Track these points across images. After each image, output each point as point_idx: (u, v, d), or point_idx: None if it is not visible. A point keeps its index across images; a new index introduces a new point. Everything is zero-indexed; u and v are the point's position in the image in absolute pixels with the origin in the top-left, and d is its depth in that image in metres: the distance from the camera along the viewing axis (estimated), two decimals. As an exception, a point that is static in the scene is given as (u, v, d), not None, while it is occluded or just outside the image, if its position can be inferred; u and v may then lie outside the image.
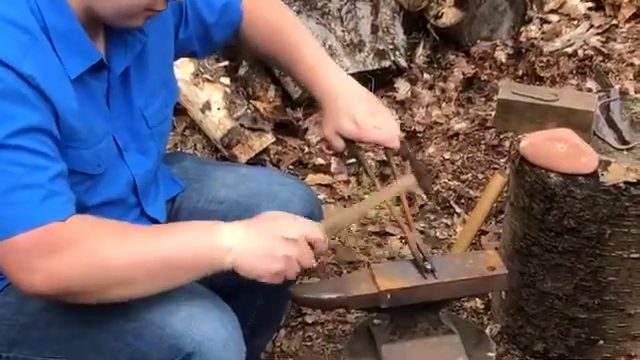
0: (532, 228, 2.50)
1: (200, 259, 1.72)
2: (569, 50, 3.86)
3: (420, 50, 3.99)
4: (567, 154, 2.39)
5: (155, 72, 1.96)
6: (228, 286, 1.87)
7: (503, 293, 2.66)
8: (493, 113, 3.14)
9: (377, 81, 3.74)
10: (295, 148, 3.57)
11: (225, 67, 3.59)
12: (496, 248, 2.69)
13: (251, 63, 3.70)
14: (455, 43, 3.99)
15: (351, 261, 3.02)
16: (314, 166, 3.50)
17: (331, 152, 3.45)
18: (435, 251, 3.04)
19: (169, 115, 2.07)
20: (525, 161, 2.46)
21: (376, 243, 3.12)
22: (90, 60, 1.78)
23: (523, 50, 3.89)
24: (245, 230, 1.74)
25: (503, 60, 3.88)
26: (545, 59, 3.79)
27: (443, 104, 3.76)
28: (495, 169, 3.37)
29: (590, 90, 3.53)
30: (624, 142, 2.51)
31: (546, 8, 4.13)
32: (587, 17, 4.09)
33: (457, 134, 3.61)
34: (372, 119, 2.04)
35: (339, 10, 3.81)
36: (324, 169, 3.48)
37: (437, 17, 3.94)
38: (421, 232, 3.11)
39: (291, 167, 3.50)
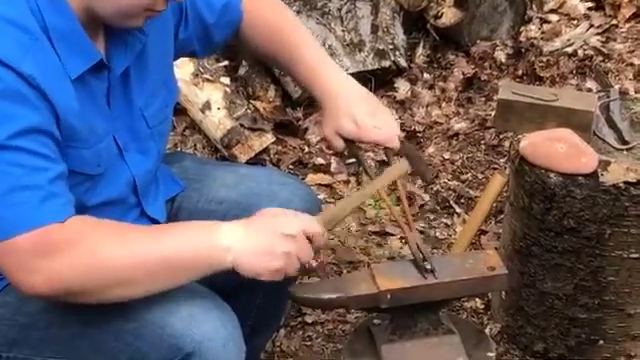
0: (532, 228, 2.50)
1: (200, 259, 1.72)
2: (569, 50, 3.86)
3: (420, 50, 3.99)
4: (567, 154, 2.39)
5: (155, 72, 1.96)
6: (228, 285, 1.87)
7: (503, 293, 2.67)
8: (493, 113, 3.14)
9: (377, 81, 3.74)
10: (295, 148, 3.57)
11: (225, 67, 3.59)
12: (496, 248, 2.69)
13: (251, 63, 3.70)
14: (455, 43, 3.99)
15: (351, 261, 3.02)
16: (314, 166, 3.50)
17: (331, 152, 3.45)
18: (435, 251, 3.04)
19: (169, 115, 2.07)
20: (525, 161, 2.46)
21: (376, 243, 3.12)
22: (90, 60, 1.78)
23: (523, 50, 3.89)
24: (244, 229, 1.74)
25: (503, 60, 3.88)
26: (545, 59, 3.79)
27: (443, 104, 3.77)
28: (495, 169, 3.37)
29: (590, 90, 3.53)
30: (624, 142, 2.51)
31: (546, 8, 4.13)
32: (587, 17, 4.09)
33: (457, 134, 3.61)
34: (372, 119, 2.04)
35: (339, 10, 3.81)
36: (324, 169, 3.48)
37: (437, 17, 3.94)
38: (421, 232, 3.11)
39: (291, 167, 3.50)
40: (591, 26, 4.04)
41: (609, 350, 2.57)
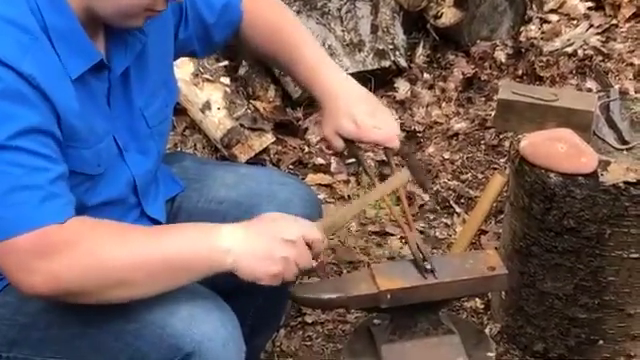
0: (532, 228, 2.50)
1: (200, 260, 1.72)
2: (569, 50, 3.86)
3: (420, 50, 3.99)
4: (567, 154, 2.39)
5: (155, 72, 1.96)
6: (228, 286, 1.87)
7: (503, 293, 2.67)
8: (493, 113, 3.14)
9: (377, 81, 3.74)
10: (295, 148, 3.57)
11: (225, 67, 3.59)
12: (496, 248, 2.69)
13: (251, 63, 3.70)
14: (455, 43, 3.99)
15: (351, 261, 3.02)
16: (314, 166, 3.50)
17: (331, 152, 3.45)
18: (435, 251, 3.04)
19: (169, 115, 2.07)
20: (525, 161, 2.46)
21: (376, 243, 3.12)
22: (90, 60, 1.78)
23: (523, 50, 3.89)
24: (244, 232, 1.74)
25: (503, 60, 3.88)
26: (545, 59, 3.79)
27: (443, 104, 3.77)
28: (495, 169, 3.37)
29: (590, 90, 3.53)
30: (624, 142, 2.51)
31: (546, 8, 4.13)
32: (587, 17, 4.09)
33: (457, 134, 3.61)
34: (372, 119, 2.04)
35: (339, 10, 3.81)
36: (324, 169, 3.48)
37: (437, 17, 3.94)
38: (421, 232, 3.11)
39: (291, 167, 3.50)
40: (591, 26, 4.04)
41: (609, 350, 2.57)
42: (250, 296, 2.11)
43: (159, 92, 1.99)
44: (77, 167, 1.77)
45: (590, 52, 3.84)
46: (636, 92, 3.52)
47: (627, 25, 4.07)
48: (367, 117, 2.04)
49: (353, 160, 3.27)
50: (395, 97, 3.79)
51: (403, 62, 3.85)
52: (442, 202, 3.30)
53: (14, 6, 1.69)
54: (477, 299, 2.83)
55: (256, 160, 3.39)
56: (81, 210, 1.72)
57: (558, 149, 2.40)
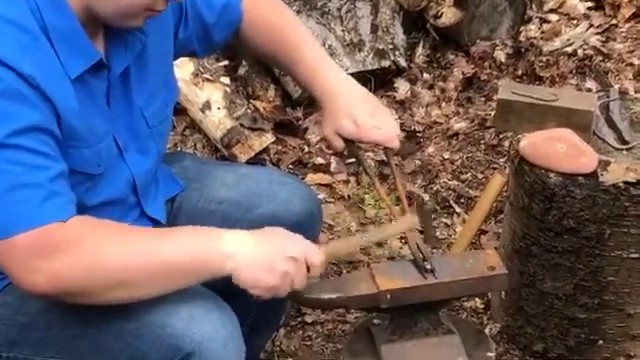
0: (532, 228, 2.50)
1: (201, 264, 1.72)
2: (569, 50, 3.86)
3: (420, 50, 3.99)
4: (567, 154, 2.39)
5: (155, 72, 1.96)
6: (228, 285, 1.87)
7: (503, 293, 2.67)
8: (493, 113, 3.14)
9: (377, 81, 3.74)
10: (295, 148, 3.57)
11: (225, 67, 3.59)
12: (496, 248, 2.69)
13: (251, 63, 3.70)
14: (455, 43, 3.99)
15: (351, 261, 3.02)
16: (314, 166, 3.50)
17: (331, 152, 3.45)
18: (435, 251, 3.04)
19: (169, 115, 2.07)
20: (525, 161, 2.46)
21: (376, 243, 3.11)
22: (90, 60, 1.78)
23: (523, 50, 3.89)
24: (251, 239, 1.74)
25: (503, 60, 3.88)
26: (545, 59, 3.79)
27: (443, 104, 3.76)
28: (495, 169, 3.37)
29: (590, 90, 3.53)
30: (624, 142, 2.51)
31: (546, 8, 4.13)
32: (587, 17, 4.09)
33: (457, 134, 3.61)
34: (372, 119, 2.05)
35: (339, 10, 3.81)
36: (324, 169, 3.48)
37: (437, 17, 3.93)
38: (421, 232, 3.11)
39: (291, 167, 3.50)
40: (591, 26, 4.03)
41: (609, 350, 2.57)
42: (250, 296, 2.11)
43: (159, 92, 1.99)
44: (78, 166, 1.77)
45: (590, 52, 3.84)
46: (636, 92, 3.52)
47: (627, 25, 4.07)
48: (367, 117, 2.04)
49: (353, 160, 3.27)
50: (395, 97, 3.79)
51: (403, 62, 3.85)
52: (442, 202, 3.30)
53: (14, 6, 1.70)
54: (477, 299, 2.83)
55: (256, 160, 3.39)
56: (81, 210, 1.72)
57: (558, 149, 2.40)
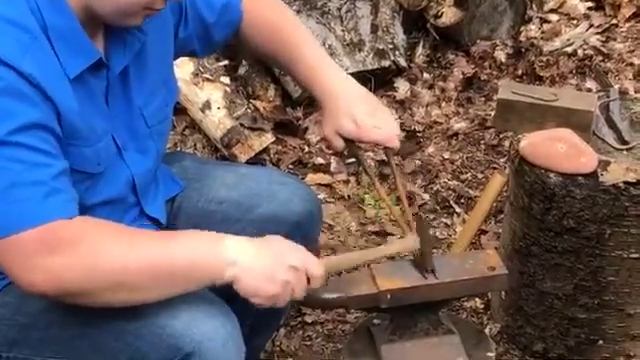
0: (532, 228, 2.50)
1: (201, 271, 1.71)
2: (569, 50, 3.86)
3: (420, 50, 3.99)
4: (567, 154, 2.39)
5: (155, 71, 1.96)
6: (228, 288, 1.87)
7: (503, 293, 2.66)
8: (493, 113, 3.14)
9: (377, 81, 3.74)
10: (295, 148, 3.57)
11: (225, 66, 3.59)
12: (496, 248, 2.69)
13: (251, 62, 3.70)
14: (455, 43, 3.99)
15: (351, 262, 3.02)
16: (314, 166, 3.50)
17: (331, 152, 3.45)
18: (435, 251, 3.04)
19: (169, 114, 2.07)
20: (525, 161, 2.46)
21: (376, 243, 3.11)
22: (89, 59, 1.77)
23: (523, 50, 3.89)
24: (251, 247, 1.74)
25: (503, 60, 3.88)
26: (545, 59, 3.79)
27: (443, 104, 3.77)
28: (495, 169, 3.37)
29: (590, 90, 3.53)
30: (624, 142, 2.51)
31: (546, 7, 4.14)
32: (587, 17, 4.09)
33: (457, 134, 3.61)
34: (372, 119, 2.04)
35: (339, 9, 3.81)
36: (324, 169, 3.48)
37: (437, 17, 3.94)
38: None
39: (291, 167, 3.49)
40: (591, 26, 4.04)
41: (609, 350, 2.57)
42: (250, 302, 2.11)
43: (159, 91, 1.99)
44: (78, 165, 1.77)
45: (590, 52, 3.85)
46: (636, 92, 3.52)
47: (627, 25, 4.07)
48: (367, 117, 2.04)
49: (353, 160, 3.27)
50: (395, 97, 3.79)
51: (403, 62, 3.85)
52: (442, 202, 3.30)
53: (14, 6, 1.69)
54: (477, 299, 2.83)
55: (256, 160, 3.39)
56: (81, 209, 1.72)
57: (558, 149, 2.40)
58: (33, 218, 1.63)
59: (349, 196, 3.36)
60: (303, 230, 2.07)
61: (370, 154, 3.37)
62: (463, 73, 3.85)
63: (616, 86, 3.13)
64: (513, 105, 2.52)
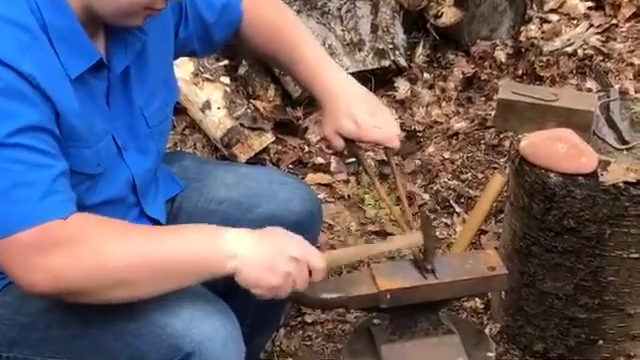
0: (532, 228, 2.50)
1: (201, 264, 1.72)
2: (569, 50, 3.86)
3: (420, 49, 3.99)
4: (567, 154, 2.39)
5: (155, 71, 1.96)
6: (227, 284, 1.87)
7: (503, 293, 2.66)
8: (493, 113, 3.14)
9: (377, 80, 3.74)
10: (295, 147, 3.57)
11: (225, 66, 3.59)
12: (496, 248, 2.69)
13: (251, 62, 3.70)
14: (455, 43, 3.99)
15: (351, 262, 3.02)
16: (314, 165, 3.50)
17: (331, 151, 3.45)
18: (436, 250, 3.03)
19: (169, 114, 2.07)
20: (525, 161, 2.46)
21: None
22: (90, 60, 1.77)
23: (523, 50, 3.89)
24: (251, 239, 1.74)
25: (503, 60, 3.88)
26: (545, 59, 3.79)
27: (443, 103, 3.76)
28: (495, 169, 3.37)
29: (590, 90, 3.53)
30: (624, 142, 2.51)
31: (546, 7, 4.13)
32: (587, 16, 4.09)
33: (457, 133, 3.61)
34: (372, 118, 2.05)
35: (339, 9, 3.81)
36: (324, 168, 3.48)
37: (437, 16, 3.94)
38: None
39: (291, 166, 3.49)
40: (591, 26, 4.04)
41: (609, 350, 2.56)
42: (249, 295, 2.11)
43: (159, 91, 1.99)
44: (77, 166, 1.77)
45: (590, 52, 3.84)
46: (636, 92, 3.52)
47: (627, 25, 4.07)
48: (367, 116, 2.04)
49: (353, 160, 3.27)
50: (395, 97, 3.79)
51: (403, 62, 3.85)
52: (442, 202, 3.30)
53: (14, 6, 1.69)
54: (477, 299, 2.83)
55: (256, 160, 3.39)
56: (81, 209, 1.72)
57: (558, 149, 2.40)
58: (30, 218, 1.63)
59: (349, 196, 3.36)
60: (303, 230, 2.06)
61: (370, 154, 3.36)
62: (463, 73, 3.85)
63: (616, 86, 3.13)
64: (513, 105, 2.52)
